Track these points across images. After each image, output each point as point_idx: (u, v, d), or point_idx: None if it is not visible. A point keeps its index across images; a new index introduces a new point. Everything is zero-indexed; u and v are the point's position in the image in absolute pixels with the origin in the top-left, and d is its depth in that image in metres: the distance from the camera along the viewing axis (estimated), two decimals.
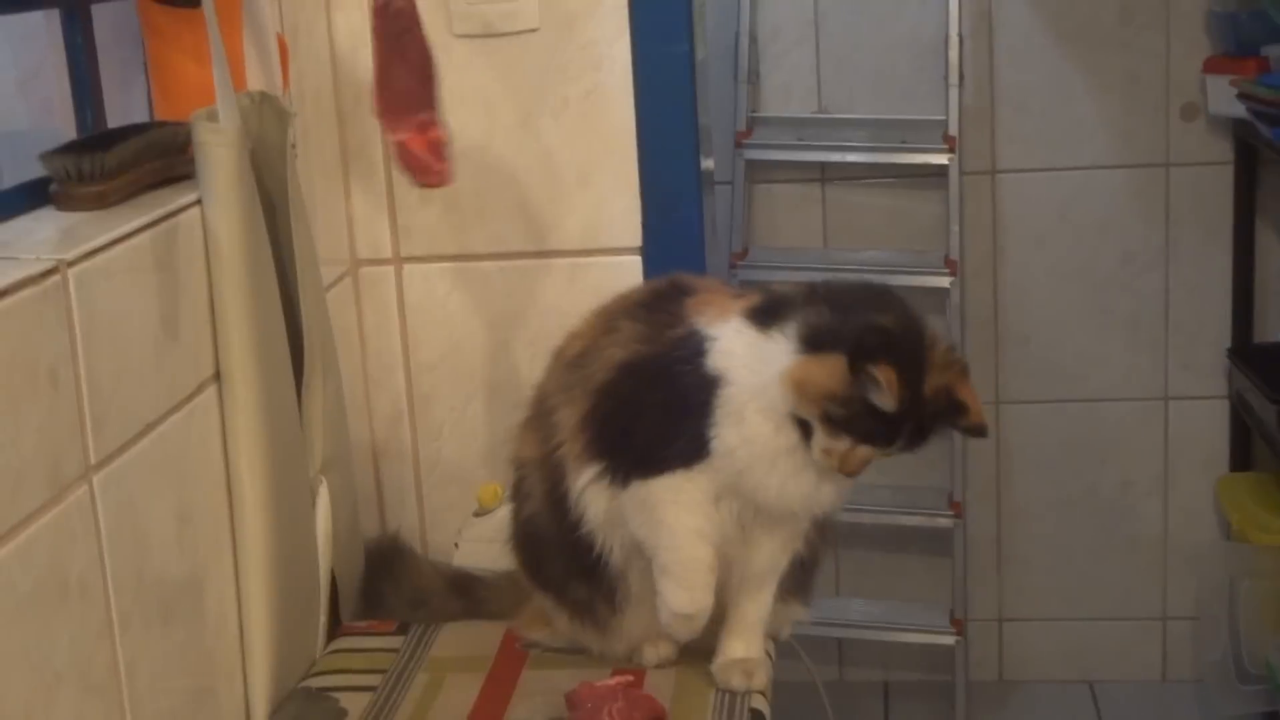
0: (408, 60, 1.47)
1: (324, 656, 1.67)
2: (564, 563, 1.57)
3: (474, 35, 1.86)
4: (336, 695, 1.57)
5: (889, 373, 1.36)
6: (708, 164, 1.99)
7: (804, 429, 1.42)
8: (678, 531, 1.46)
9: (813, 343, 1.41)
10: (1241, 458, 3.28)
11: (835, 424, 1.40)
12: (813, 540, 1.56)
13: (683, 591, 1.46)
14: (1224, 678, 3.07)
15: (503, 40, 1.87)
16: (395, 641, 1.69)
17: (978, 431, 1.46)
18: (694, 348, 1.46)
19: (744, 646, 1.53)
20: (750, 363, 1.43)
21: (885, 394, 1.37)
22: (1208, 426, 3.31)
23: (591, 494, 1.52)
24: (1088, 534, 3.39)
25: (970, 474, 3.30)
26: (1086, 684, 3.42)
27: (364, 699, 1.56)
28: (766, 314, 1.45)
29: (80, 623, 1.23)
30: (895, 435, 1.41)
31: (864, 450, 1.41)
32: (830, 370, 1.39)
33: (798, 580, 1.58)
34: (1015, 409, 3.36)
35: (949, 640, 3.22)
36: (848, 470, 1.42)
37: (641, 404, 1.48)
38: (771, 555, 1.52)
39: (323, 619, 1.68)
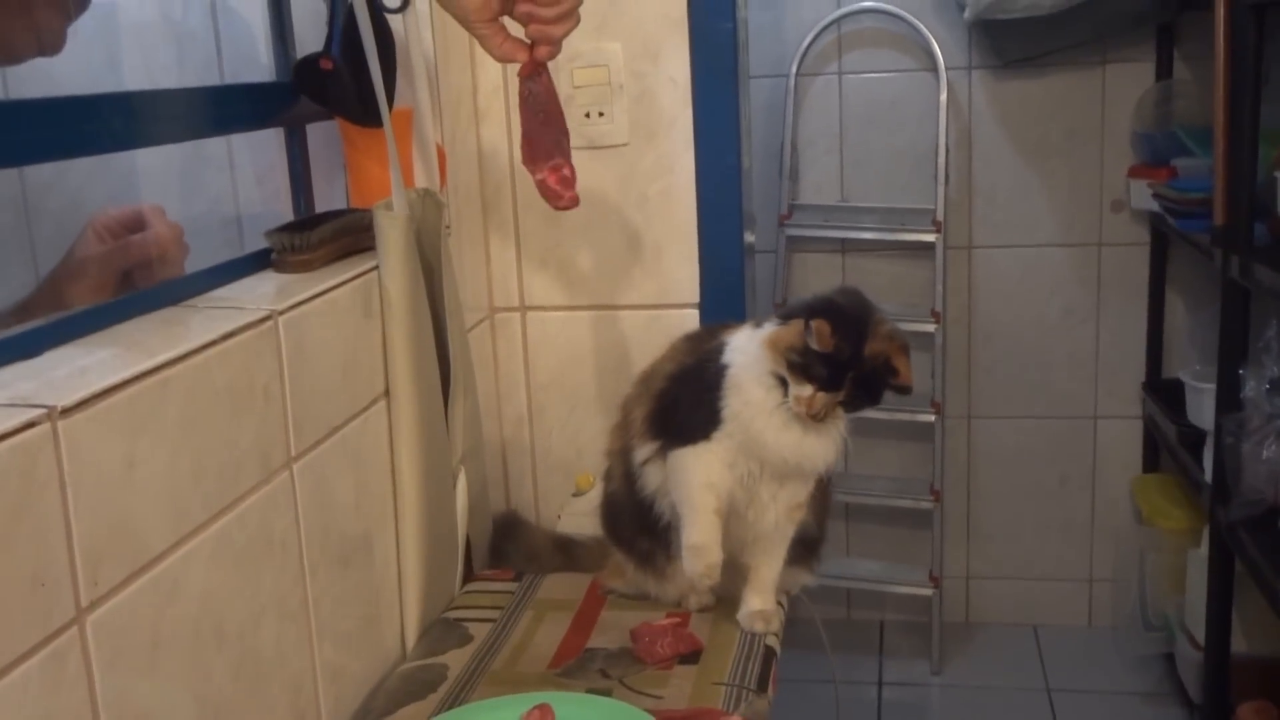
0: (545, 125, 1.45)
1: (459, 596, 1.68)
2: (633, 524, 1.56)
3: (582, 148, 1.87)
4: (467, 624, 1.58)
5: (822, 324, 1.35)
6: (750, 239, 1.98)
7: (785, 388, 1.40)
8: (694, 486, 1.44)
9: (786, 317, 1.41)
10: (1151, 463, 3.23)
11: (797, 370, 1.38)
12: (809, 524, 1.54)
13: (693, 530, 1.44)
14: (1133, 626, 3.04)
15: (603, 151, 1.88)
16: (512, 586, 1.69)
17: (903, 390, 1.41)
18: (717, 352, 1.46)
19: (760, 600, 1.52)
20: (747, 349, 1.43)
21: (816, 339, 1.36)
22: (1126, 439, 3.26)
23: (650, 470, 1.51)
24: (1035, 516, 3.35)
25: (948, 469, 3.27)
26: (1031, 627, 3.37)
27: (486, 627, 1.58)
28: (766, 319, 1.46)
29: (281, 568, 1.25)
30: (840, 380, 1.38)
31: (823, 396, 1.38)
32: (793, 330, 1.39)
33: (801, 555, 1.56)
34: (983, 421, 3.33)
35: (928, 592, 3.18)
36: (814, 412, 1.39)
37: (681, 395, 1.48)
38: (776, 520, 1.49)
39: (459, 569, 1.69)
